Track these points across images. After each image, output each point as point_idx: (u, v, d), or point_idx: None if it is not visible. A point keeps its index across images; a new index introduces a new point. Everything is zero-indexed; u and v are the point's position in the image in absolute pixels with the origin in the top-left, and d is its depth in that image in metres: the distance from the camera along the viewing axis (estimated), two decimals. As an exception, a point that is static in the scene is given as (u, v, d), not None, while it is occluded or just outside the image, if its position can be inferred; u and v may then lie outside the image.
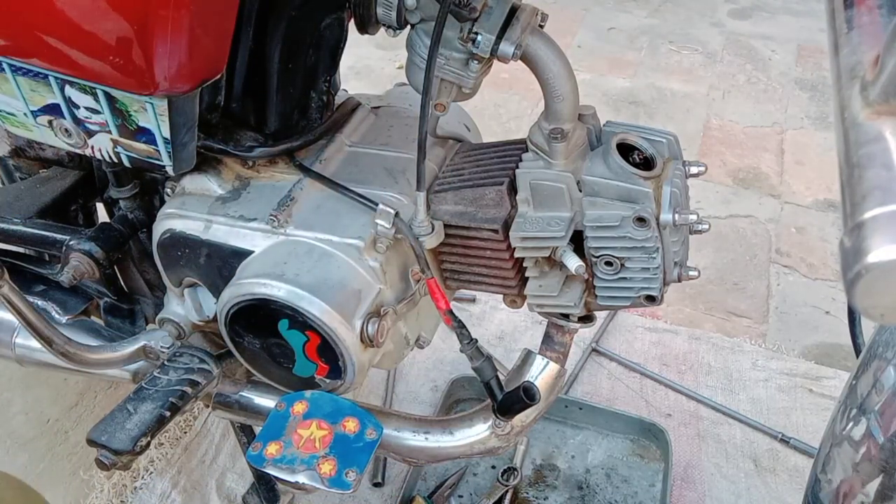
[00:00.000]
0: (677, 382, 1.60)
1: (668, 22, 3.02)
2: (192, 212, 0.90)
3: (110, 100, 0.77)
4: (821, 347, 1.72)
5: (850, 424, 0.74)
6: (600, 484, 1.43)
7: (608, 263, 0.84)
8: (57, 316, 1.11)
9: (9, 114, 0.84)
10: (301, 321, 0.82)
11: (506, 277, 0.91)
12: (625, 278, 0.85)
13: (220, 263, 0.89)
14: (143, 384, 0.95)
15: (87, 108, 0.79)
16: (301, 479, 0.79)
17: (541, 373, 0.95)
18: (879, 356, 0.73)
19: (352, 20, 0.84)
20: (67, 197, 1.10)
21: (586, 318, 0.94)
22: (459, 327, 0.88)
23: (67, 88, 0.78)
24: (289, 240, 0.86)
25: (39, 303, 1.11)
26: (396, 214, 0.83)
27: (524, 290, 0.91)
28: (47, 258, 1.14)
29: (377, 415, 0.87)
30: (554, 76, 0.80)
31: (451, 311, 0.87)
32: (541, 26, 0.81)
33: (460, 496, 1.41)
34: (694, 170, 0.84)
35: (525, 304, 0.94)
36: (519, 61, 0.79)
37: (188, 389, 0.95)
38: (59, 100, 0.79)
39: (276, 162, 0.93)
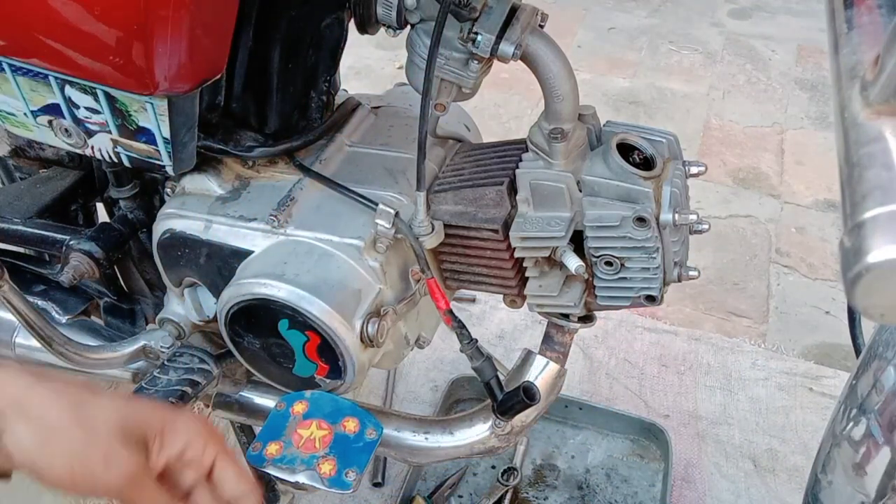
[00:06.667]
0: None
1: (668, 22, 3.02)
2: (192, 212, 0.90)
3: (110, 100, 0.77)
4: (821, 347, 1.71)
5: (850, 424, 0.74)
6: (600, 484, 1.43)
7: (608, 263, 0.84)
8: (57, 316, 1.11)
9: (9, 114, 0.84)
10: (301, 321, 0.82)
11: (506, 277, 0.91)
12: (625, 278, 0.85)
13: (220, 263, 0.89)
14: (143, 384, 0.95)
15: (87, 108, 0.79)
16: (301, 479, 0.79)
17: (541, 373, 0.95)
18: (879, 356, 0.73)
19: (352, 20, 0.84)
20: (67, 197, 1.09)
21: (586, 318, 0.94)
22: (459, 327, 0.88)
23: (67, 88, 0.78)
24: (289, 240, 0.86)
25: (39, 303, 1.11)
26: (396, 214, 0.83)
27: (524, 290, 0.91)
28: (47, 258, 1.14)
29: (377, 415, 0.87)
30: (554, 76, 0.80)
31: (451, 311, 0.87)
32: (541, 26, 0.81)
33: (460, 496, 1.41)
34: (694, 170, 0.84)
35: (525, 304, 0.94)
36: (519, 61, 0.79)
37: (188, 389, 0.94)
38: (59, 100, 0.79)
39: (276, 162, 0.93)
